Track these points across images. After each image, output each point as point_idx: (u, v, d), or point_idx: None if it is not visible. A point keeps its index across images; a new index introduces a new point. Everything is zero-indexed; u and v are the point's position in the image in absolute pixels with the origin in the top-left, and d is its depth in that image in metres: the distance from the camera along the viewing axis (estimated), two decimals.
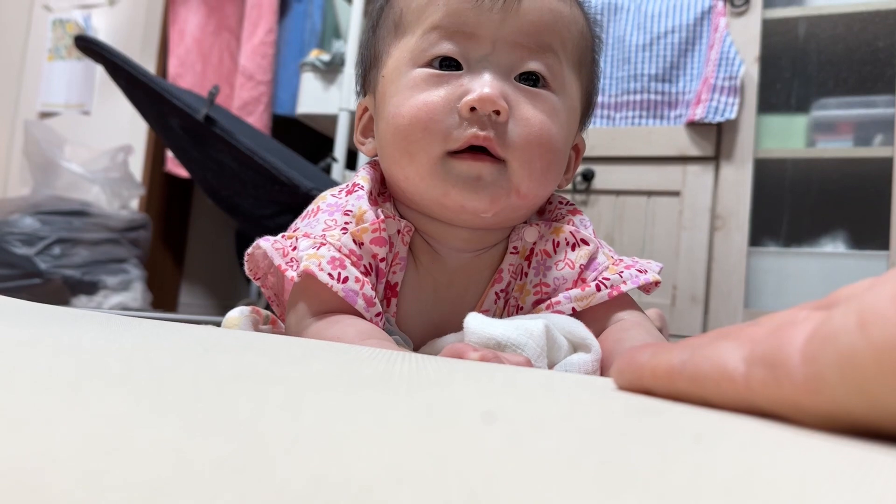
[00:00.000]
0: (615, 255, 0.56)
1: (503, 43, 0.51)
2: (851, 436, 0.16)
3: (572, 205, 0.59)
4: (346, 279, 0.48)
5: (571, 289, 0.53)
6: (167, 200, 2.34)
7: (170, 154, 2.18)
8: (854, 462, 0.13)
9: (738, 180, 1.59)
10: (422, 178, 0.51)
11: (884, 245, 1.49)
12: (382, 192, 0.57)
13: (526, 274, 0.55)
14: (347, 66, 1.82)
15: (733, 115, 1.57)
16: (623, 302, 0.54)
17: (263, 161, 1.43)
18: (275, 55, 2.15)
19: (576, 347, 0.47)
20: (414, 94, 0.51)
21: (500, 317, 0.55)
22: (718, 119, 1.57)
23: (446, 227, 0.54)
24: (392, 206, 0.55)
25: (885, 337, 0.14)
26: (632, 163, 1.67)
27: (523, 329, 0.43)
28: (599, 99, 1.63)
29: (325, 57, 1.92)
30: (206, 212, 2.35)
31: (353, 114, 1.08)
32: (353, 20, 1.81)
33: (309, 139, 2.18)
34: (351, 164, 1.82)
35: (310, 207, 0.56)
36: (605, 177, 1.68)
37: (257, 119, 2.10)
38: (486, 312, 0.54)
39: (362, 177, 0.56)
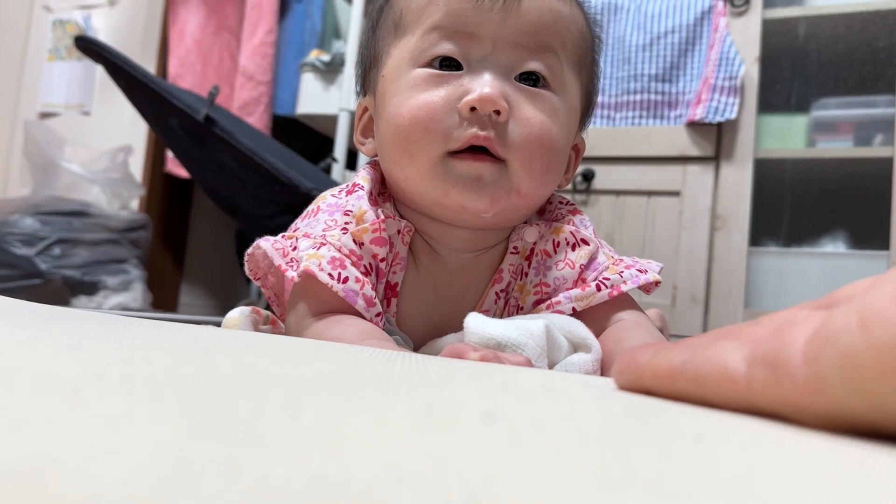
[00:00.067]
0: (615, 255, 0.56)
1: (503, 43, 0.51)
2: (852, 436, 0.15)
3: (572, 205, 0.59)
4: (346, 279, 0.48)
5: (572, 289, 0.53)
6: (167, 201, 2.34)
7: (170, 154, 2.18)
8: (855, 462, 0.13)
9: (738, 180, 1.59)
10: (422, 178, 0.51)
11: (884, 245, 1.49)
12: (382, 192, 0.57)
13: (526, 274, 0.55)
14: (347, 67, 1.82)
15: (733, 115, 1.57)
16: (623, 302, 0.54)
17: (263, 161, 1.43)
18: (275, 55, 2.15)
19: (576, 347, 0.47)
20: (414, 94, 0.51)
21: (501, 317, 0.55)
22: (718, 119, 1.57)
23: (446, 228, 0.54)
24: (392, 207, 0.55)
25: (886, 337, 0.14)
26: (632, 163, 1.67)
27: (523, 329, 0.43)
28: (599, 99, 1.63)
29: (325, 57, 1.92)
30: (207, 212, 2.36)
31: (353, 114, 1.08)
32: (353, 20, 1.81)
33: (309, 139, 2.18)
34: (351, 164, 1.82)
35: (310, 207, 0.56)
36: (606, 177, 1.68)
37: (257, 119, 2.10)
38: (486, 312, 0.54)
39: (362, 177, 0.56)
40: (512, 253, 0.55)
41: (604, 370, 0.47)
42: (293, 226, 0.56)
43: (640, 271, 0.54)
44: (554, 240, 0.54)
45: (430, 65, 0.51)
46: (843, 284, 0.19)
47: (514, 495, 0.11)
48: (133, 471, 0.11)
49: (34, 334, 0.27)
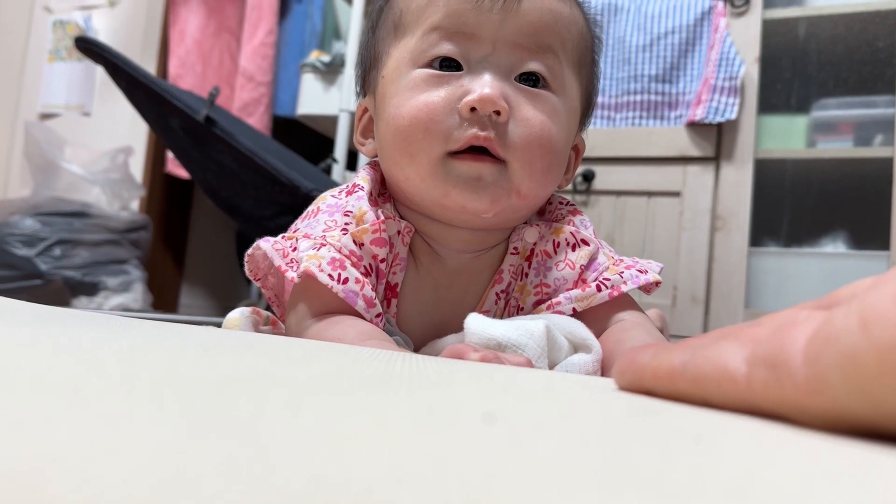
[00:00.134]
0: (615, 256, 0.56)
1: (503, 43, 0.51)
2: (853, 436, 0.15)
3: (572, 205, 0.59)
4: (346, 280, 0.48)
5: (572, 289, 0.53)
6: (167, 201, 2.34)
7: (170, 155, 2.18)
8: (855, 462, 0.13)
9: (738, 181, 1.59)
10: (422, 178, 0.51)
11: (884, 245, 1.49)
12: (382, 192, 0.57)
13: (526, 274, 0.55)
14: (347, 67, 1.82)
15: (733, 116, 1.57)
16: (624, 302, 0.54)
17: (264, 162, 1.43)
18: (275, 56, 2.15)
19: (576, 348, 0.47)
20: (414, 94, 0.51)
21: (501, 317, 0.55)
22: (719, 119, 1.57)
23: (446, 228, 0.54)
24: (392, 207, 0.55)
25: (887, 337, 0.14)
26: (632, 163, 1.67)
27: (524, 329, 0.43)
28: (600, 99, 1.63)
29: (326, 58, 1.93)
30: (207, 213, 2.36)
31: (353, 115, 1.09)
32: (353, 21, 1.81)
33: (309, 140, 2.18)
34: (351, 164, 1.82)
35: (310, 208, 0.56)
36: (606, 177, 1.68)
37: (258, 120, 2.10)
38: (486, 313, 0.54)
39: (362, 177, 0.56)
40: (512, 253, 0.55)
41: (604, 371, 0.47)
42: (293, 226, 0.56)
43: (641, 272, 0.54)
44: (554, 240, 0.54)
45: (430, 65, 0.51)
46: (843, 285, 0.19)
47: (514, 495, 0.11)
48: (133, 471, 0.11)
49: (34, 335, 0.27)
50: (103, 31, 2.36)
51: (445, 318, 0.54)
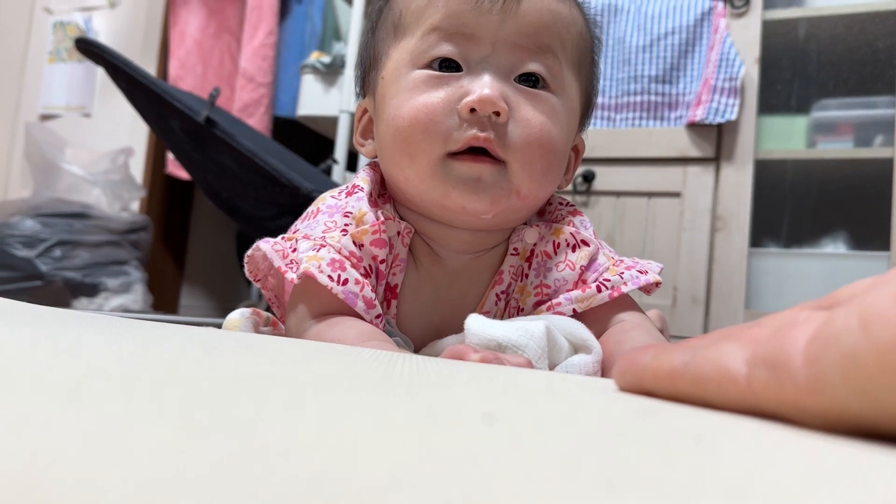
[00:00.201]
0: (615, 256, 0.56)
1: (503, 44, 0.51)
2: (853, 437, 0.15)
3: (572, 206, 0.59)
4: (345, 281, 0.48)
5: (572, 290, 0.53)
6: (168, 202, 2.34)
7: (170, 156, 2.18)
8: (856, 463, 0.13)
9: (738, 181, 1.59)
10: (422, 179, 0.51)
11: (884, 246, 1.49)
12: (382, 193, 0.57)
13: (526, 275, 0.55)
14: (348, 68, 1.82)
15: (734, 117, 1.57)
16: (624, 303, 0.54)
17: (264, 163, 1.43)
18: (275, 57, 2.16)
19: (577, 349, 0.47)
20: (414, 95, 0.51)
21: (501, 318, 0.55)
22: (719, 120, 1.57)
23: (446, 229, 0.54)
24: (392, 208, 0.55)
25: (887, 337, 0.14)
26: (632, 164, 1.67)
27: (524, 330, 0.43)
28: (600, 100, 1.63)
29: (326, 59, 1.93)
30: (207, 214, 2.36)
31: (353, 115, 1.09)
32: (353, 22, 1.81)
33: (309, 141, 2.18)
34: (351, 165, 1.82)
35: (310, 209, 0.56)
36: (606, 178, 1.68)
37: (258, 121, 2.10)
38: (486, 314, 0.54)
39: (362, 178, 0.56)
40: (512, 254, 0.55)
41: (604, 371, 0.47)
42: (293, 227, 0.56)
43: (641, 272, 0.54)
44: (554, 241, 0.54)
45: (429, 66, 0.51)
46: (843, 285, 0.19)
47: (515, 496, 0.11)
48: (133, 471, 0.11)
49: (35, 336, 0.27)
50: (104, 32, 2.36)
51: (445, 318, 0.54)
